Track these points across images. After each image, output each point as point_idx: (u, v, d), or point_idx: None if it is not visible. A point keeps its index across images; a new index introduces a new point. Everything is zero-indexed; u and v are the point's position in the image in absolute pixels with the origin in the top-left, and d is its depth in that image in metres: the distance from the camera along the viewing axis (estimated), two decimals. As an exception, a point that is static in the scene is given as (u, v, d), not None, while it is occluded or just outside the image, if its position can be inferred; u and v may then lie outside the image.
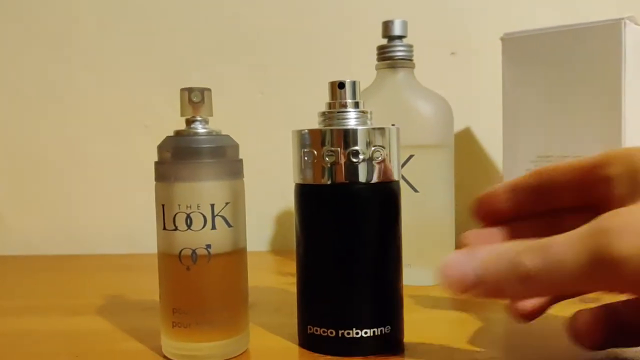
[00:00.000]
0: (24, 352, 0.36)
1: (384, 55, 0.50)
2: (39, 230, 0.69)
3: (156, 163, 0.33)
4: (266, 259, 0.65)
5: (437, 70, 0.67)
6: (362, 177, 0.33)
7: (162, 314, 0.33)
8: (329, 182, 0.33)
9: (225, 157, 0.33)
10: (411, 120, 0.49)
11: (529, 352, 0.35)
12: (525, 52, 0.56)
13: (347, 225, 0.33)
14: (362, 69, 0.55)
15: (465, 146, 0.69)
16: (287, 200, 0.67)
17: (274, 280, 0.52)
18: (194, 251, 0.32)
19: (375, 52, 0.51)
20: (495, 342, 0.38)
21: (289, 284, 0.50)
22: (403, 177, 0.49)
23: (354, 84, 0.35)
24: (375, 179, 0.33)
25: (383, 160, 0.34)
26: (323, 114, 0.35)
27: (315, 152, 0.34)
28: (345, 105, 0.35)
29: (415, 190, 0.49)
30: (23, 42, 0.69)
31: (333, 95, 0.35)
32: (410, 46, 0.50)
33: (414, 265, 0.49)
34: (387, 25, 0.50)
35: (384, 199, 0.34)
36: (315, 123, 0.35)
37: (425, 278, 0.49)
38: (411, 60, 0.51)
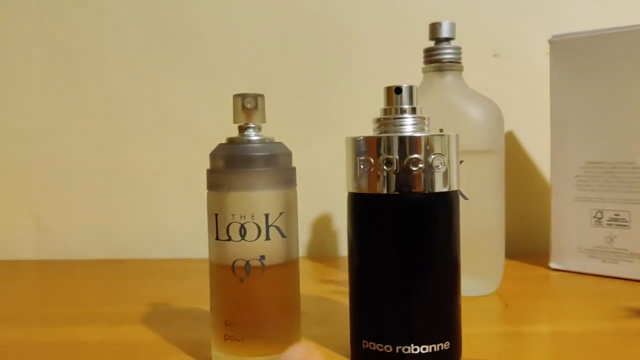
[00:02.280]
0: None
1: (432, 58, 0.49)
2: (79, 235, 0.69)
3: (208, 171, 0.32)
4: (305, 266, 0.63)
5: (482, 72, 0.66)
6: (421, 186, 0.32)
7: (213, 326, 0.32)
8: (386, 192, 0.32)
9: (278, 165, 0.32)
10: (460, 125, 0.47)
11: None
12: (574, 55, 0.54)
13: (405, 237, 0.32)
14: (409, 71, 0.54)
15: (511, 152, 0.67)
16: (324, 206, 0.66)
17: (317, 288, 0.51)
18: (247, 262, 0.31)
19: (422, 54, 0.50)
20: (557, 357, 0.36)
21: (334, 293, 0.49)
22: (452, 184, 0.47)
23: (411, 88, 0.34)
24: (435, 188, 0.32)
25: (443, 169, 0.32)
26: (378, 120, 0.34)
27: (372, 160, 0.32)
28: (402, 111, 0.33)
29: (465, 198, 0.47)
30: (65, 50, 0.69)
31: (389, 100, 0.34)
32: (459, 48, 0.49)
33: (464, 275, 0.47)
34: (434, 27, 0.49)
35: (444, 209, 0.33)
36: (363, 130, 0.34)
37: (477, 288, 0.47)
38: (459, 62, 0.49)
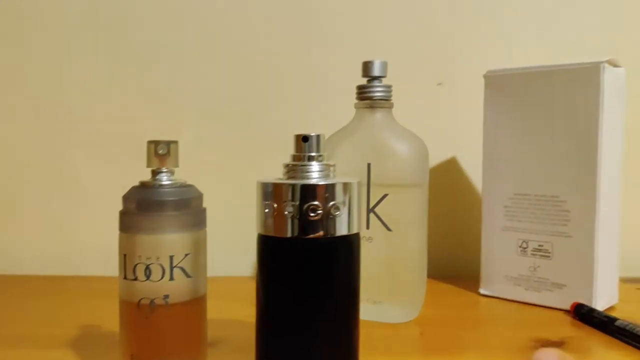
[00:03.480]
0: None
1: (363, 95, 0.51)
2: (27, 249, 0.70)
3: (121, 213, 0.34)
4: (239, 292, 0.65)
5: (422, 104, 0.68)
6: (318, 231, 0.34)
7: (121, 358, 0.34)
8: (288, 235, 0.34)
9: (189, 208, 0.34)
10: (387, 159, 0.50)
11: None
12: (507, 90, 0.57)
13: (304, 278, 0.34)
14: (342, 107, 0.56)
15: (449, 178, 0.70)
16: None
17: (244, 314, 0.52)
18: (152, 300, 0.33)
19: (354, 91, 0.52)
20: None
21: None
22: (377, 216, 0.50)
23: (318, 137, 0.36)
24: (331, 233, 0.34)
25: (340, 215, 0.34)
26: (287, 166, 0.36)
27: (276, 205, 0.34)
28: (308, 159, 0.36)
29: (389, 229, 0.50)
30: (20, 62, 0.70)
31: (297, 148, 0.36)
32: (389, 86, 0.51)
33: (385, 303, 0.50)
34: (366, 66, 0.51)
35: (342, 252, 0.35)
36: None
37: (397, 316, 0.49)
38: (389, 100, 0.51)
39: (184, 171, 0.36)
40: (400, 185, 0.50)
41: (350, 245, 0.36)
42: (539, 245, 0.56)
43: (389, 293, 0.50)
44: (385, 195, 0.50)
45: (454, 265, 0.68)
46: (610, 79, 0.51)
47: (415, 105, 0.61)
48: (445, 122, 0.69)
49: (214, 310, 0.39)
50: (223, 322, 0.48)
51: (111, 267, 0.67)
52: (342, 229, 0.35)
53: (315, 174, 0.35)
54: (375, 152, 0.50)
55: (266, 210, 0.35)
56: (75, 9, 0.70)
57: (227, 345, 0.43)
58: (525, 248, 0.56)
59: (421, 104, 0.68)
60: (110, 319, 0.50)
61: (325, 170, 0.36)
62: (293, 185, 0.34)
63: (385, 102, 0.51)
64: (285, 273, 0.35)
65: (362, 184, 0.37)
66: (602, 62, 0.51)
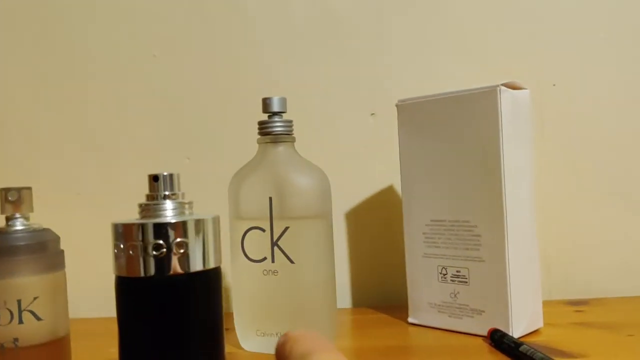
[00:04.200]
0: None
1: (265, 131, 0.52)
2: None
3: (-25, 259, 0.35)
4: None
5: (361, 132, 0.69)
6: (163, 270, 0.35)
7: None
8: (138, 275, 0.35)
9: (44, 251, 0.35)
10: (289, 192, 0.51)
11: None
12: (417, 118, 0.57)
13: (154, 316, 0.35)
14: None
15: (386, 206, 0.70)
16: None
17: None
18: (2, 344, 0.34)
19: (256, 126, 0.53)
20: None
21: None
22: (280, 248, 0.50)
23: (171, 176, 0.37)
24: (177, 271, 0.35)
25: (190, 252, 0.35)
26: (140, 205, 0.37)
27: (125, 245, 0.35)
28: (161, 197, 0.36)
29: (292, 262, 0.50)
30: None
31: (151, 187, 0.37)
32: (290, 121, 0.52)
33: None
34: (266, 103, 0.52)
35: (192, 288, 0.36)
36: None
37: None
38: (291, 134, 0.52)
39: (42, 216, 0.37)
40: (303, 217, 0.50)
41: (205, 280, 0.36)
42: (457, 271, 0.55)
43: (296, 325, 0.50)
44: (286, 228, 0.50)
45: (383, 293, 0.68)
46: (509, 101, 0.52)
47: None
48: (382, 148, 0.69)
49: (79, 350, 0.39)
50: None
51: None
52: (196, 265, 0.35)
53: (169, 212, 0.36)
54: (278, 186, 0.51)
55: (115, 251, 0.36)
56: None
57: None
58: (445, 274, 0.56)
59: (361, 132, 0.69)
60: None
61: (179, 208, 0.37)
62: (141, 225, 0.35)
63: (287, 136, 0.52)
64: (136, 312, 0.35)
65: (218, 220, 0.37)
66: (498, 85, 0.51)
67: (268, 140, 0.52)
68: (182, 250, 0.35)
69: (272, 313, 0.51)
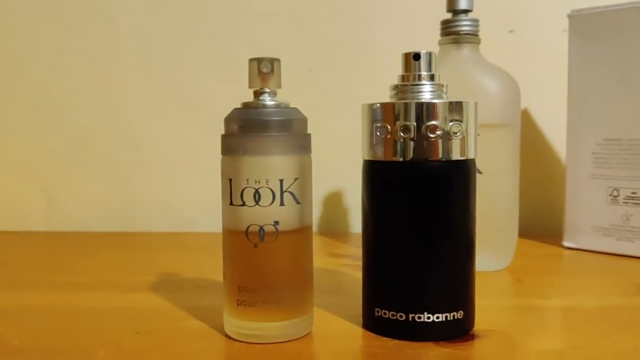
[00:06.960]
0: (85, 328, 0.35)
1: (448, 30, 0.48)
2: (89, 207, 0.69)
3: (223, 136, 0.32)
4: (314, 241, 0.63)
5: (498, 47, 0.65)
6: (438, 154, 0.31)
7: (226, 291, 0.32)
8: (402, 159, 0.32)
9: (293, 130, 0.32)
10: (476, 97, 0.46)
11: (606, 342, 0.32)
12: (593, 29, 0.53)
13: (421, 205, 0.32)
14: (424, 43, 0.53)
15: (525, 129, 0.66)
16: (336, 179, 0.65)
17: (327, 261, 0.51)
18: (261, 227, 0.30)
19: (438, 26, 0.49)
20: (569, 330, 0.35)
21: (344, 266, 0.49)
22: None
23: (430, 55, 0.33)
24: (452, 156, 0.32)
25: (461, 136, 0.32)
26: (396, 87, 0.33)
27: (389, 127, 0.32)
28: (420, 78, 0.33)
29: (479, 172, 0.46)
30: (79, 23, 0.68)
31: (407, 67, 0.33)
32: (476, 20, 0.48)
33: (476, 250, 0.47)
34: (451, -1, 0.48)
35: (461, 177, 0.32)
36: (378, 100, 0.33)
37: (488, 264, 0.47)
38: (477, 35, 0.48)
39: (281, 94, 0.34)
40: (491, 125, 0.47)
41: (467, 171, 0.33)
42: (632, 193, 0.52)
43: (482, 240, 0.47)
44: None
45: (529, 218, 0.65)
46: None
47: (489, 51, 0.58)
48: (523, 67, 0.65)
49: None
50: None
51: (175, 224, 0.67)
52: (460, 154, 0.32)
53: (427, 95, 0.33)
54: (464, 90, 0.46)
55: (377, 134, 0.32)
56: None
57: (321, 288, 0.41)
58: (616, 196, 0.53)
59: (496, 48, 0.65)
60: (191, 268, 0.49)
61: (437, 91, 0.33)
62: (408, 105, 0.32)
63: (473, 36, 0.48)
64: (399, 201, 0.32)
65: (476, 106, 0.34)
66: None
67: (450, 41, 0.48)
68: (456, 134, 0.31)
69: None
